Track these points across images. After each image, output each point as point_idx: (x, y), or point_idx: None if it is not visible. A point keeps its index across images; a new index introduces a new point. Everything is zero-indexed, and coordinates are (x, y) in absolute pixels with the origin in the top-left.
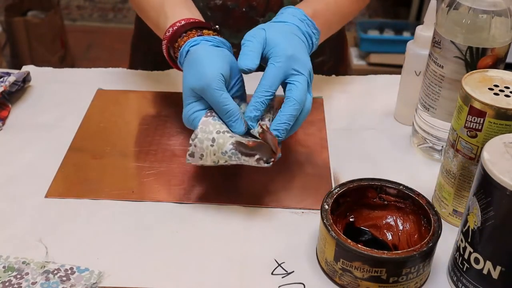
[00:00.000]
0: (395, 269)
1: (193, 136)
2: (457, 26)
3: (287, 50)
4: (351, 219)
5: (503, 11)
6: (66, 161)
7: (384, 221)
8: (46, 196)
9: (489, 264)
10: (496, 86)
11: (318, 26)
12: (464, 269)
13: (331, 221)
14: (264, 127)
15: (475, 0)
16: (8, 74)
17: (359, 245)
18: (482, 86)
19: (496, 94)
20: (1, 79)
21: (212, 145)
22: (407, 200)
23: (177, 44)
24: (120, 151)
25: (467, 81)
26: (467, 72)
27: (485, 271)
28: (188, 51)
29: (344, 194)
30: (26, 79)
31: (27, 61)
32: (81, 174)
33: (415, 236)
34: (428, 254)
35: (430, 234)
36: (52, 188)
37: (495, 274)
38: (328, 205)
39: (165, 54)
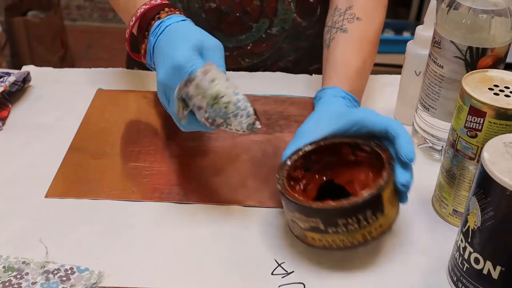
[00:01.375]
0: (329, 219)
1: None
2: (457, 26)
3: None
4: (327, 178)
5: (503, 11)
6: (66, 161)
7: (359, 178)
8: (46, 196)
9: (489, 264)
10: (496, 86)
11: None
12: (464, 269)
13: (285, 175)
14: None
15: (475, 0)
16: (8, 74)
17: (296, 196)
18: (482, 86)
19: (496, 94)
20: (1, 79)
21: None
22: (378, 157)
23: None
24: (120, 151)
25: (467, 81)
26: (467, 72)
27: (485, 271)
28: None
29: (316, 151)
30: (26, 79)
31: (27, 61)
32: (81, 174)
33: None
34: (362, 207)
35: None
36: (52, 188)
37: (495, 274)
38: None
39: (127, 43)
